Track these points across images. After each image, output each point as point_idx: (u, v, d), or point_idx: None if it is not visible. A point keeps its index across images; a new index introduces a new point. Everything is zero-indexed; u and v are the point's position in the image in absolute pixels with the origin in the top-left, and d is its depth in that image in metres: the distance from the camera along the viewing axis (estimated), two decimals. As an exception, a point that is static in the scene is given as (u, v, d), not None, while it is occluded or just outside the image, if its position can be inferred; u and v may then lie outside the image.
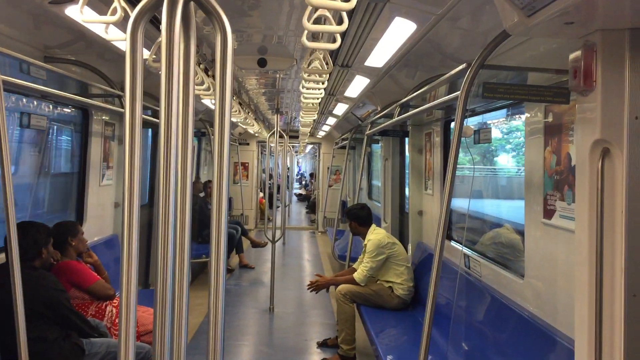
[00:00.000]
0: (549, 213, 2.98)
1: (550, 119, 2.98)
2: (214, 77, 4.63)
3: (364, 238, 5.74)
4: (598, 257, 2.30)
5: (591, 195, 2.33)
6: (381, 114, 5.76)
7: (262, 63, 4.22)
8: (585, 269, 2.36)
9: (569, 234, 2.75)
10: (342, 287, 5.37)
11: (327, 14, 2.04)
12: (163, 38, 1.13)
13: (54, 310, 3.36)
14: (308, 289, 5.76)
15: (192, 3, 1.21)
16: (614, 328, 2.28)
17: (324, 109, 8.14)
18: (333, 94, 6.08)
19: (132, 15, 1.15)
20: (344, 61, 4.13)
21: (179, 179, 1.17)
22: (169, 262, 1.13)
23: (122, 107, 4.54)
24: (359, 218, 5.81)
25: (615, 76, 2.26)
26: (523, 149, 3.46)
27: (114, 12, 1.96)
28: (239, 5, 3.36)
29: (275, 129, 6.98)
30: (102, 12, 2.49)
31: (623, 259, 2.24)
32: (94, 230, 5.19)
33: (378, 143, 8.42)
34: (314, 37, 2.93)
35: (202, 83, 4.01)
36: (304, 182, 29.76)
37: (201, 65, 4.05)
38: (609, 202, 2.29)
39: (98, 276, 4.24)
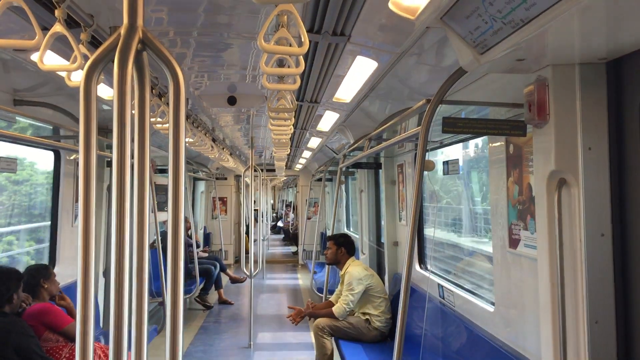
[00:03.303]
0: (514, 242, 3.04)
1: (511, 151, 3.06)
2: (187, 117, 4.68)
3: (341, 268, 5.74)
4: (560, 285, 2.34)
5: (550, 225, 2.38)
6: (353, 146, 5.84)
7: (231, 101, 4.27)
8: (548, 297, 2.40)
9: (534, 262, 2.80)
10: (319, 321, 5.35)
11: (286, 56, 2.09)
12: (115, 88, 1.15)
13: (24, 356, 3.31)
14: (288, 317, 5.73)
15: (144, 53, 1.24)
16: (580, 355, 2.31)
17: (299, 143, 8.21)
18: (305, 128, 6.16)
19: (85, 67, 1.18)
20: (312, 97, 4.20)
21: (134, 219, 1.18)
22: (123, 305, 1.12)
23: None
24: (348, 246, 5.83)
25: (567, 109, 2.34)
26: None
27: (75, 60, 2.00)
28: (210, 45, 3.43)
29: (250, 163, 7.02)
30: (68, 57, 2.53)
31: (584, 287, 2.29)
32: (67, 272, 5.12)
33: (354, 175, 8.49)
34: (280, 77, 3.00)
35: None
36: (276, 214, 29.16)
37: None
38: (568, 232, 2.35)
39: (72, 318, 4.18)
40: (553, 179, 2.38)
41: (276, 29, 1.92)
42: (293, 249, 17.64)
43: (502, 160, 3.18)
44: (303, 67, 1.97)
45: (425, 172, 3.07)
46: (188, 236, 9.33)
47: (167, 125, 4.16)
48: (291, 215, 20.75)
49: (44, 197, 6.29)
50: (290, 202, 24.34)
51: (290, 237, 19.03)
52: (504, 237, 3.17)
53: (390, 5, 2.21)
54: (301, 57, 1.95)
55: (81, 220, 1.11)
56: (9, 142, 4.36)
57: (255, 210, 13.11)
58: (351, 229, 10.70)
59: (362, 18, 2.42)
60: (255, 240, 9.65)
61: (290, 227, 19.77)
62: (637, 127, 2.21)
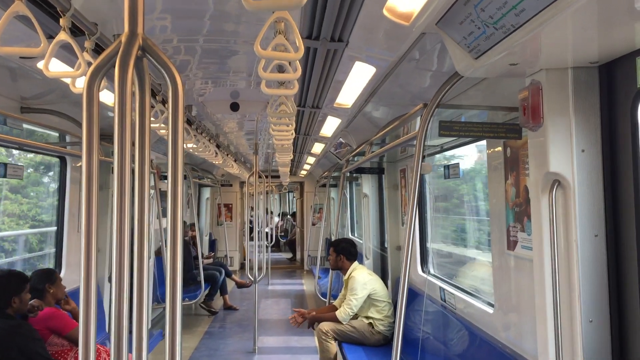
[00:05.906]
0: (512, 244, 3.07)
1: (508, 154, 3.10)
2: (188, 121, 4.74)
3: (344, 273, 5.79)
4: (555, 285, 2.38)
5: (545, 226, 2.42)
6: (355, 151, 5.89)
7: (234, 107, 4.34)
8: (544, 297, 2.44)
9: (531, 263, 2.84)
10: (323, 325, 5.39)
11: (284, 62, 2.15)
12: (116, 93, 1.19)
13: (29, 359, 3.36)
14: (291, 322, 5.78)
15: (144, 59, 1.29)
16: (575, 353, 2.34)
17: (302, 149, 8.26)
18: (308, 133, 6.21)
19: (87, 73, 1.22)
20: (314, 103, 4.26)
21: (135, 225, 1.21)
22: (123, 308, 1.13)
23: (101, 154, 4.58)
24: (348, 252, 5.87)
25: (561, 112, 2.38)
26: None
27: (79, 67, 2.06)
28: (215, 52, 3.49)
29: (255, 169, 7.07)
30: (74, 65, 2.59)
31: (579, 287, 2.33)
32: (73, 277, 5.18)
33: (358, 181, 8.54)
34: (281, 82, 3.05)
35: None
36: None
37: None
38: (563, 232, 2.39)
39: (77, 323, 4.24)
40: (547, 181, 2.42)
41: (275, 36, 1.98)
42: (287, 255, 17.95)
43: (500, 163, 3.22)
44: (300, 73, 2.03)
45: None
46: (192, 243, 9.39)
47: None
48: (275, 219, 20.67)
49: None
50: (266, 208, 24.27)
51: (284, 244, 19.16)
52: (502, 239, 3.21)
53: (385, 12, 2.27)
54: (298, 62, 2.01)
55: (83, 223, 1.13)
56: (16, 148, 4.44)
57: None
58: (355, 235, 10.74)
59: (359, 24, 2.48)
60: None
61: (279, 234, 19.78)
62: (629, 129, 2.25)
